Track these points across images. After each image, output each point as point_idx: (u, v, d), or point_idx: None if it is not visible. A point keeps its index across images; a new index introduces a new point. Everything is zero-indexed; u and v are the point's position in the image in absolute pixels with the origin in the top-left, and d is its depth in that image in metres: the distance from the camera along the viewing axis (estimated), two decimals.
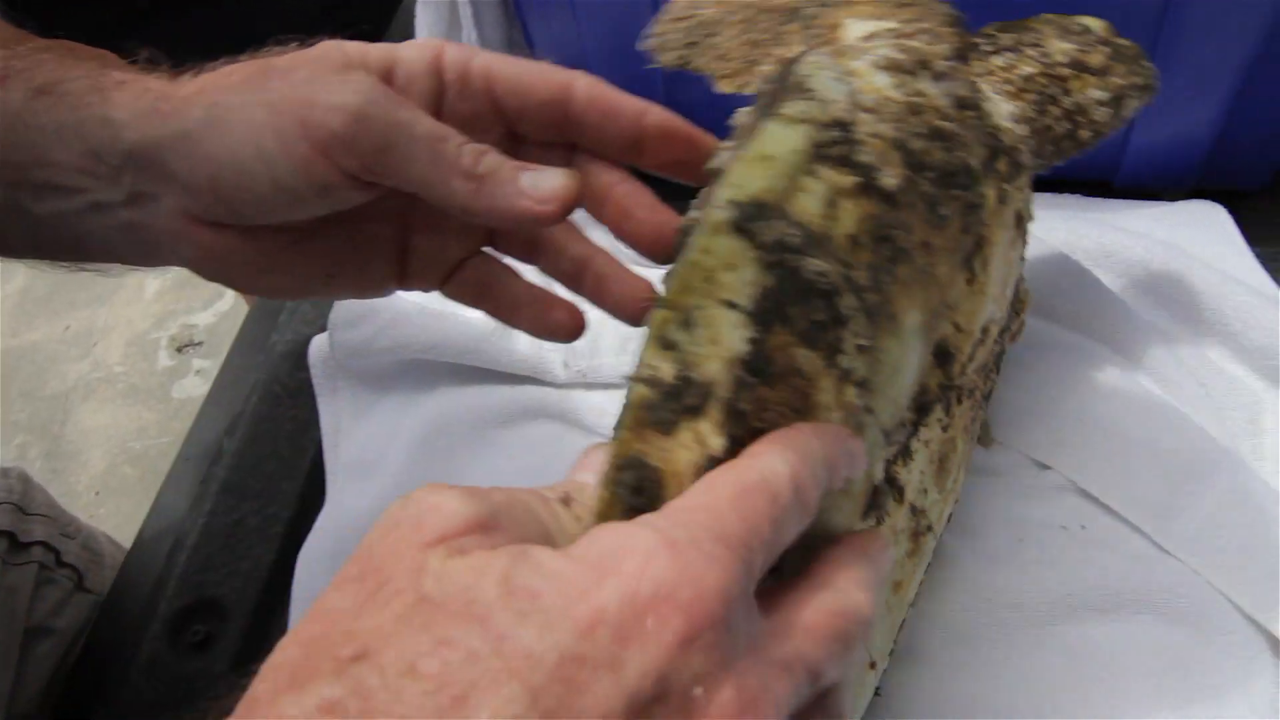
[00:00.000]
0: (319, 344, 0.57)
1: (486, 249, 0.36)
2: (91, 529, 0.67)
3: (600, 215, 0.33)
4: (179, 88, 0.30)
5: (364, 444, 0.55)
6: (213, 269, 0.31)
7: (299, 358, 0.58)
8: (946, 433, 0.36)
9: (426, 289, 0.36)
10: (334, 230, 0.32)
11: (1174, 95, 0.52)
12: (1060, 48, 0.40)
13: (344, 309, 0.56)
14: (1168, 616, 0.41)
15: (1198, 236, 0.53)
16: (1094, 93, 0.40)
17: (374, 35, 0.82)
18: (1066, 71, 0.40)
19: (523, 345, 0.54)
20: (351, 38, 0.91)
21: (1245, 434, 0.46)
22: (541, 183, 0.29)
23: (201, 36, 0.83)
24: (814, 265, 0.27)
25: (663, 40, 0.43)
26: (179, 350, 1.89)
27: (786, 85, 0.29)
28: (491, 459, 0.52)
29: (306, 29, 0.91)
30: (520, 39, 0.62)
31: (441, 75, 0.31)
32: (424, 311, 0.54)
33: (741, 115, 0.32)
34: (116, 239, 0.31)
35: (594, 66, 0.58)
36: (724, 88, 0.38)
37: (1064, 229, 0.53)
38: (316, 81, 0.28)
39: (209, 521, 0.54)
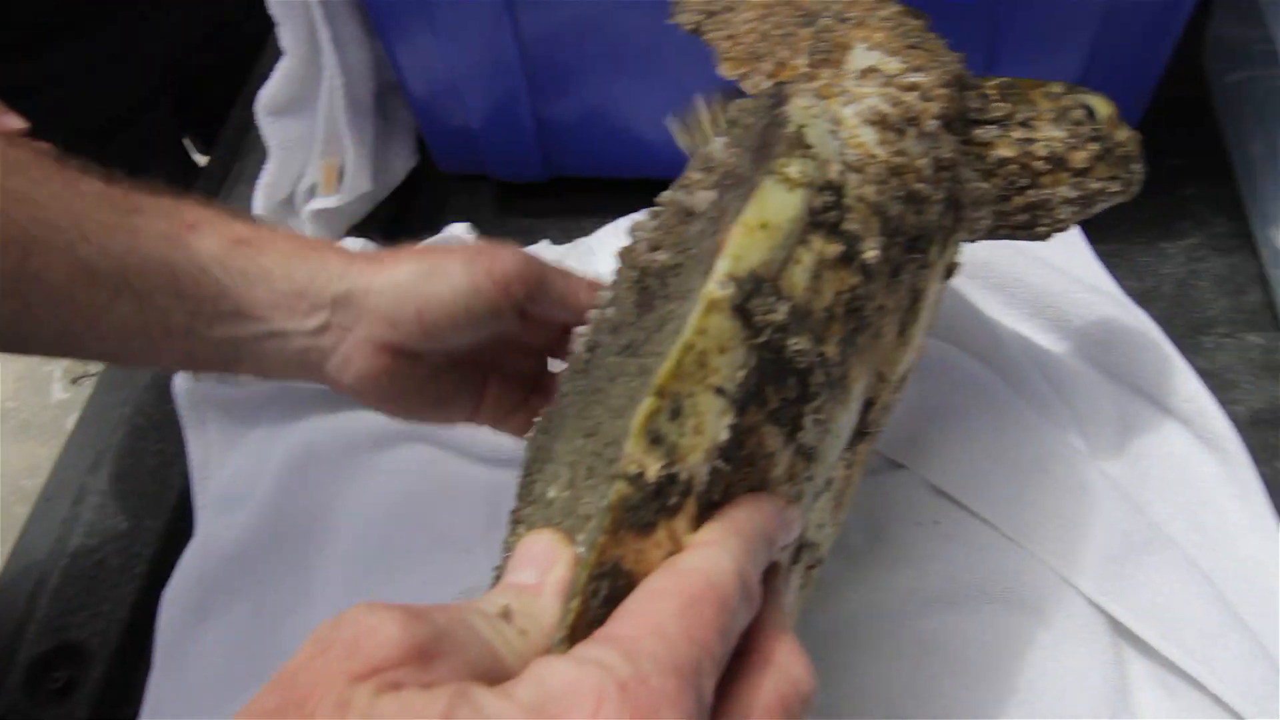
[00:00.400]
0: (184, 375, 0.56)
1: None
2: None
3: None
4: (363, 256, 0.38)
5: (234, 475, 0.54)
6: (367, 385, 0.38)
7: (165, 390, 0.57)
8: (849, 469, 0.36)
9: (492, 424, 0.43)
10: (455, 368, 0.40)
11: None
12: (1048, 135, 0.37)
13: None
14: (1012, 604, 0.42)
15: None
16: (1064, 190, 0.38)
17: (246, 63, 0.81)
18: (1042, 166, 0.37)
19: None
20: (226, 65, 0.90)
21: (1086, 422, 0.48)
22: None
23: (86, 65, 0.81)
24: (796, 344, 0.26)
25: (684, 1, 0.41)
26: (74, 382, 1.81)
27: (783, 135, 0.28)
28: (364, 484, 0.51)
29: (185, 58, 0.90)
30: (386, 61, 0.62)
31: None
32: None
33: (716, 150, 0.31)
34: (278, 358, 0.38)
35: (462, 87, 0.59)
36: (724, 70, 0.37)
37: None
38: (486, 250, 0.38)
39: (70, 563, 0.52)
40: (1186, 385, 0.48)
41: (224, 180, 0.71)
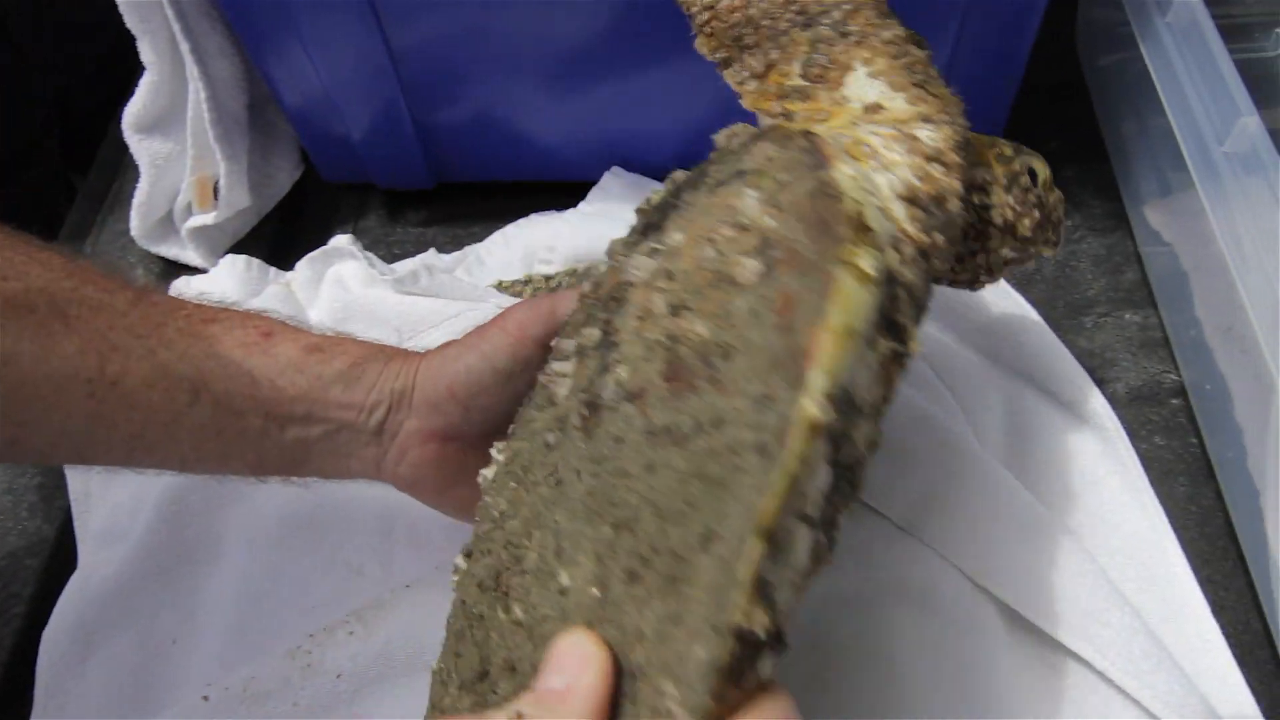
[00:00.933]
0: None
1: None
2: None
3: None
4: (423, 354, 0.39)
5: (115, 507, 0.52)
6: (420, 475, 0.39)
7: None
8: None
9: None
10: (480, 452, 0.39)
11: None
12: (1002, 201, 0.37)
13: None
14: (901, 594, 0.42)
15: None
16: (1007, 252, 0.38)
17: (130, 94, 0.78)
18: (995, 232, 0.37)
19: None
20: (111, 100, 0.89)
21: (971, 409, 0.49)
22: None
23: None
24: (856, 453, 0.25)
25: None
26: None
27: (843, 214, 0.25)
28: (249, 508, 0.50)
29: (68, 95, 0.87)
30: (258, 76, 0.60)
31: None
32: None
33: (749, 207, 0.26)
34: (344, 456, 0.38)
35: (337, 97, 0.57)
36: (700, 46, 0.35)
37: None
38: (502, 311, 0.39)
39: None
40: (1066, 367, 0.49)
41: (103, 199, 0.69)
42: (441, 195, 0.64)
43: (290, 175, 0.65)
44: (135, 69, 0.78)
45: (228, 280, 0.59)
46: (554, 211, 0.60)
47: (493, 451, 0.33)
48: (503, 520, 0.31)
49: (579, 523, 0.27)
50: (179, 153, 0.59)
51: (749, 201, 0.27)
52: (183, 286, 0.61)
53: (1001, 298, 0.51)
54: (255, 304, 0.55)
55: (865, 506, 0.45)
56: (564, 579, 0.27)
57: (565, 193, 0.61)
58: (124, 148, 0.72)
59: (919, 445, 0.46)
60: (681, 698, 0.22)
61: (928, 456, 0.45)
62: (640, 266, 0.28)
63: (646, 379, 0.27)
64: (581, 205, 0.59)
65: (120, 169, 0.70)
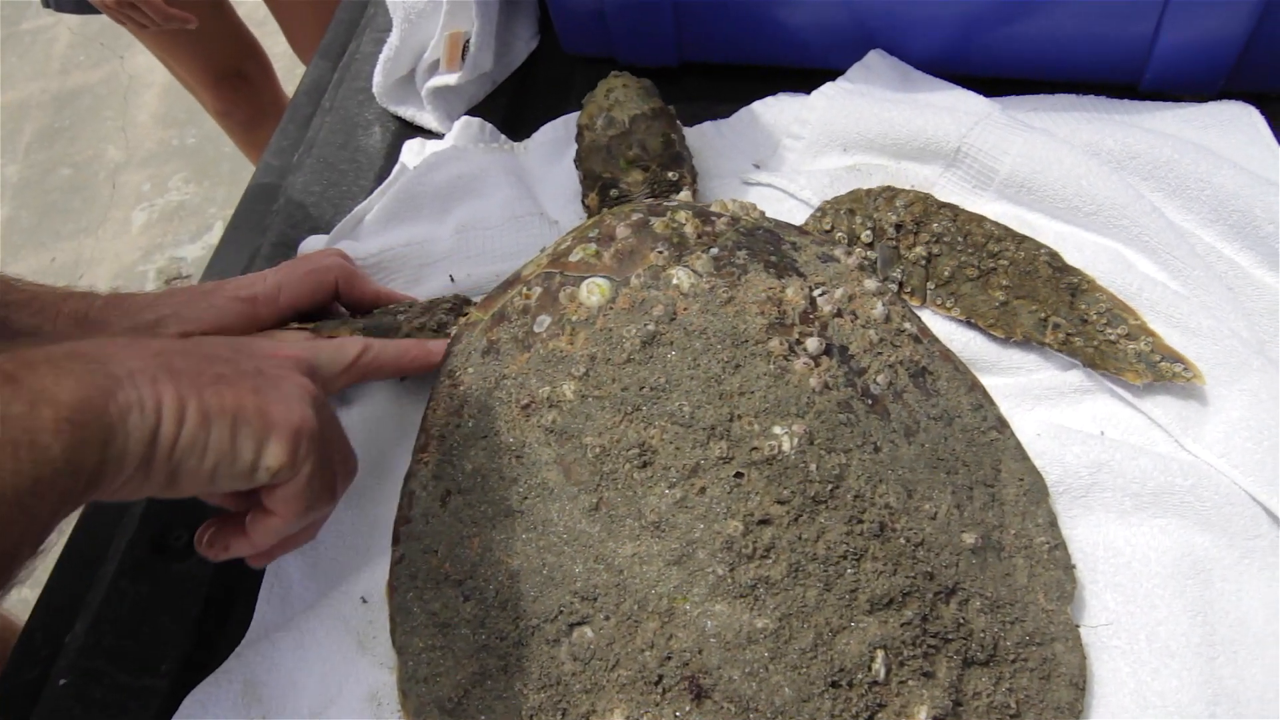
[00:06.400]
0: (311, 245, 0.55)
1: None
2: None
3: None
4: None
5: None
6: None
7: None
8: None
9: None
10: None
11: None
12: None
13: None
14: (1190, 521, 0.39)
15: (1228, 138, 0.50)
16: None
17: None
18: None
19: None
20: None
21: (1271, 337, 0.44)
22: None
23: None
24: None
25: None
26: (166, 283, 1.86)
27: None
28: None
29: None
30: None
31: None
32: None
33: None
34: None
35: None
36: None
37: (1087, 130, 0.51)
38: None
39: None
40: None
41: (340, 58, 0.70)
42: (683, 74, 0.61)
43: (527, 45, 0.64)
44: None
45: (463, 143, 0.58)
46: (804, 94, 0.57)
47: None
48: None
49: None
50: (433, 8, 0.58)
51: None
52: (417, 148, 0.61)
53: None
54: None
55: (1150, 422, 0.42)
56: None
57: (808, 79, 0.58)
58: (361, 7, 0.73)
59: (1206, 362, 0.42)
60: None
61: (1219, 375, 0.42)
62: None
63: None
64: (840, 80, 0.56)
65: (357, 30, 0.71)
